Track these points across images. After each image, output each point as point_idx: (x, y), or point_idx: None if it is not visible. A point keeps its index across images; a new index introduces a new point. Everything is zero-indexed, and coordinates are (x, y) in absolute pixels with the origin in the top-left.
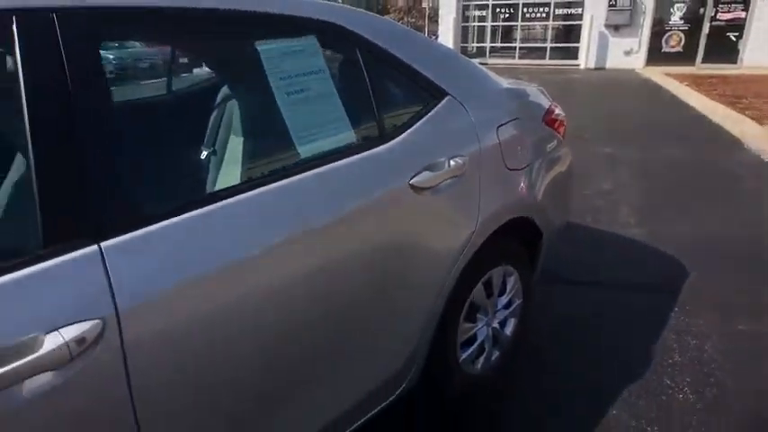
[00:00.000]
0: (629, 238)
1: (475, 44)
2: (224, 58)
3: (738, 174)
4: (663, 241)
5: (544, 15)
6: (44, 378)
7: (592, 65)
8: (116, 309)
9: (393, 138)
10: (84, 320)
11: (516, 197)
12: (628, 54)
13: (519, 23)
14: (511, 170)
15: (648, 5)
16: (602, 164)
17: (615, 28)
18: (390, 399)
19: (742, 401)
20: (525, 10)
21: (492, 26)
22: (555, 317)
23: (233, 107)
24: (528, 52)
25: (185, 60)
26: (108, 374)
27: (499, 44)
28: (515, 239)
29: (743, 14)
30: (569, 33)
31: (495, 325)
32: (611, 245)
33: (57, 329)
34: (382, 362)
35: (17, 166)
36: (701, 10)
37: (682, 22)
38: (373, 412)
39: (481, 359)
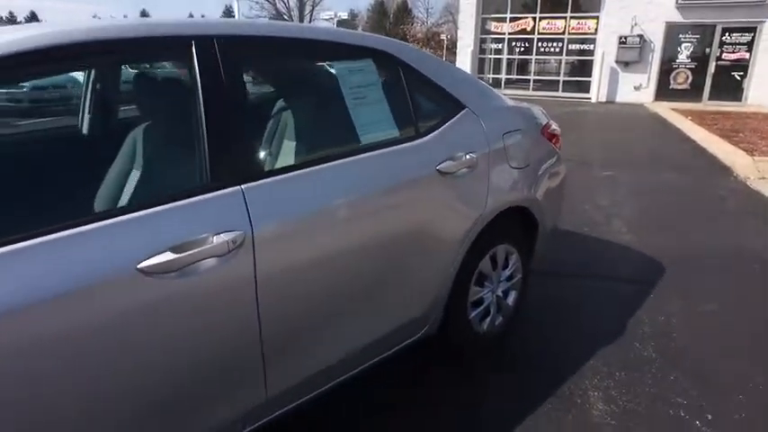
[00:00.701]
0: (618, 244)
1: (491, 75)
2: (315, 70)
3: (723, 195)
4: (647, 247)
5: (558, 50)
6: (213, 261)
7: (603, 98)
8: (251, 227)
9: (425, 135)
10: (236, 231)
11: (516, 189)
12: (637, 89)
13: (534, 57)
14: (513, 168)
15: (657, 44)
16: (602, 185)
17: (625, 64)
18: (417, 336)
19: (693, 357)
20: (540, 44)
21: (508, 59)
22: (547, 297)
23: (316, 104)
24: (542, 85)
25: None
26: (246, 266)
27: (514, 76)
28: (516, 225)
29: (747, 55)
30: (581, 68)
31: (499, 293)
32: (601, 248)
33: (220, 233)
34: (411, 304)
35: (196, 136)
36: (707, 50)
37: (689, 60)
38: (405, 343)
39: (487, 320)
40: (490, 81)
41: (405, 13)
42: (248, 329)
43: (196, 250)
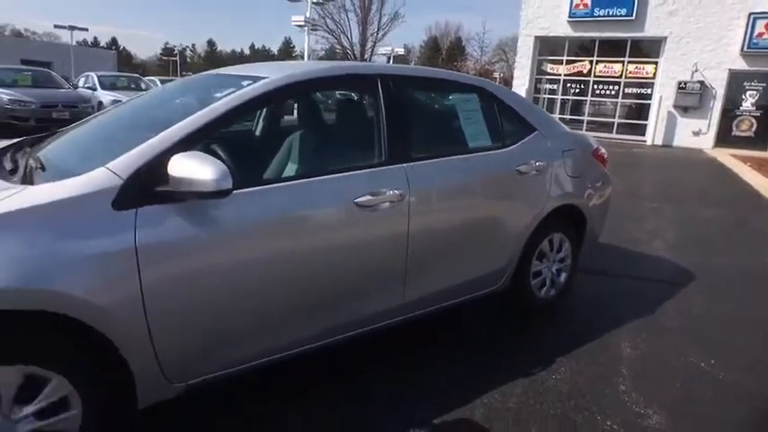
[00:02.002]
0: (655, 256)
1: None
2: (443, 98)
3: (766, 230)
4: (681, 260)
5: (614, 93)
6: (388, 204)
7: (659, 142)
8: (409, 189)
9: (509, 146)
10: (401, 190)
11: (570, 191)
12: (696, 134)
13: (588, 98)
14: (568, 176)
15: (719, 91)
16: (648, 215)
17: (684, 109)
18: (495, 287)
19: (705, 333)
20: (595, 87)
21: (562, 99)
22: (592, 287)
23: (443, 119)
24: (596, 126)
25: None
26: (404, 210)
27: (568, 116)
28: (569, 221)
29: None
30: (638, 111)
31: (554, 270)
32: (641, 258)
33: (393, 190)
34: (493, 261)
35: (380, 133)
36: None
37: (753, 108)
38: (489, 289)
39: (543, 289)
40: None
41: (458, 50)
42: (401, 249)
43: (381, 197)
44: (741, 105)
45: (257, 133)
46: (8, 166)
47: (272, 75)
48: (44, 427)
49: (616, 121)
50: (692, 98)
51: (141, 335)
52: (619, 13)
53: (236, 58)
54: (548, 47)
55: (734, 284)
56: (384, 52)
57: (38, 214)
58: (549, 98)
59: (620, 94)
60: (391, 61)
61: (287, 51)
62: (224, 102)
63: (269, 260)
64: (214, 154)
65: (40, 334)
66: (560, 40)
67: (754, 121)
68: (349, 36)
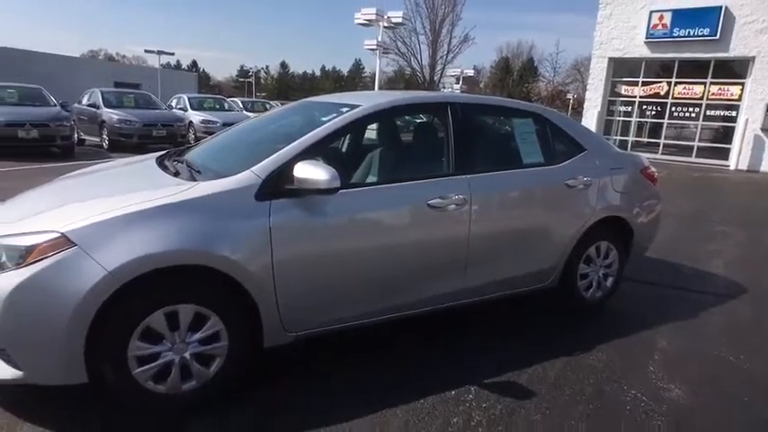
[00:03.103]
0: (713, 273)
1: (618, 137)
2: (502, 122)
3: None
4: (735, 277)
5: (694, 115)
6: (454, 206)
7: (744, 166)
8: (471, 195)
9: (559, 163)
10: (464, 195)
11: (616, 204)
12: None
13: (666, 121)
14: (615, 191)
15: None
16: (714, 237)
17: None
18: (544, 283)
19: (750, 336)
20: (674, 109)
21: (638, 122)
22: (642, 295)
23: (502, 139)
24: (674, 149)
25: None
26: (466, 212)
27: (644, 139)
28: (617, 230)
29: None
30: (720, 134)
31: (601, 274)
32: (696, 274)
33: (458, 195)
34: (541, 260)
35: (448, 150)
36: None
37: None
38: (536, 286)
39: (590, 291)
40: (617, 142)
41: (530, 71)
42: (463, 242)
43: (448, 200)
44: None
45: (353, 147)
46: (171, 169)
47: (365, 103)
48: (203, 350)
49: (696, 144)
50: None
51: (269, 291)
52: (701, 33)
53: (307, 80)
54: (622, 68)
55: None
56: (453, 73)
57: (208, 201)
58: (623, 120)
59: (701, 116)
60: (461, 82)
61: (357, 72)
62: (332, 122)
63: (362, 243)
64: (325, 162)
65: (206, 285)
66: (636, 62)
67: None
68: (419, 58)
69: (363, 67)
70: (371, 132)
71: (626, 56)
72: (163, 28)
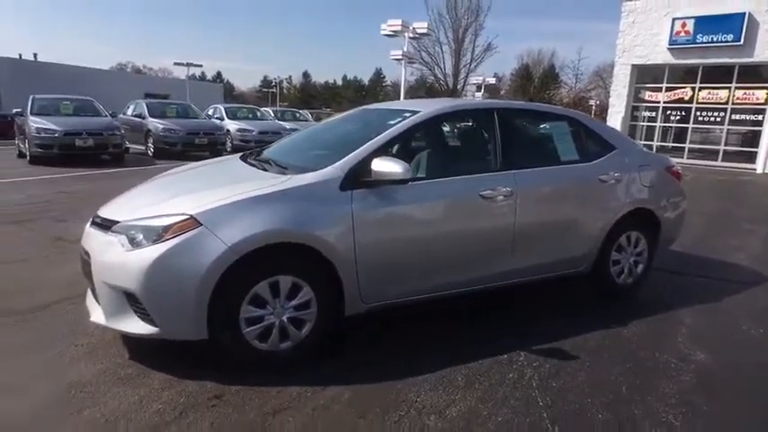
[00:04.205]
0: (737, 265)
1: (643, 141)
2: (540, 124)
3: None
4: (758, 268)
5: (719, 120)
6: (502, 197)
7: None
8: (516, 187)
9: (592, 161)
10: (510, 188)
11: (644, 197)
12: None
13: (690, 126)
14: (643, 186)
15: None
16: (738, 233)
17: None
18: (580, 268)
19: (744, 319)
20: (698, 114)
21: (662, 127)
22: (668, 282)
23: (541, 140)
24: (699, 154)
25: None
26: (513, 202)
27: (669, 144)
28: (645, 222)
29: None
30: (747, 138)
31: (631, 261)
32: (720, 265)
33: (505, 187)
34: (568, 249)
35: (495, 149)
36: None
37: None
38: (572, 270)
39: (622, 276)
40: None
41: (551, 77)
42: (509, 229)
43: (497, 192)
44: None
45: (416, 146)
46: (259, 166)
47: (424, 109)
48: (297, 315)
49: (722, 148)
50: None
51: (351, 266)
52: (725, 39)
53: (329, 89)
54: (646, 74)
55: None
56: (475, 81)
57: (303, 190)
58: (647, 126)
59: (727, 120)
60: (482, 90)
61: (377, 82)
62: (400, 125)
63: (426, 227)
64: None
65: (301, 260)
66: (659, 68)
67: None
68: (443, 67)
69: (384, 77)
70: (430, 133)
71: (649, 62)
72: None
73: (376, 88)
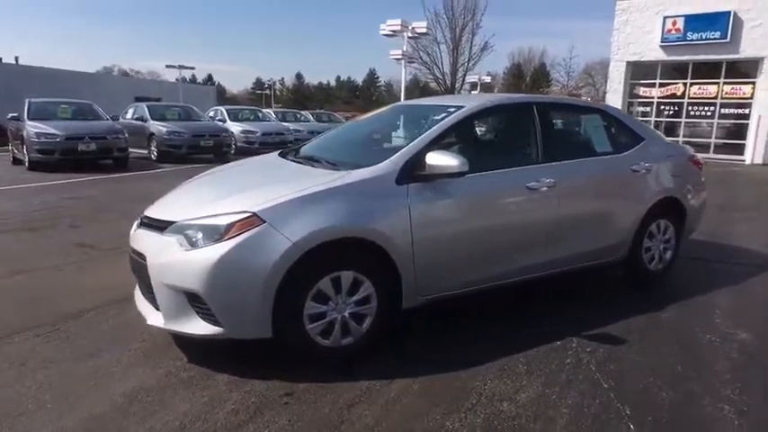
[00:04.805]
0: (750, 250)
1: None
2: (575, 117)
3: None
4: (757, 251)
5: (709, 114)
6: (546, 188)
7: (758, 161)
8: (557, 179)
9: (623, 152)
10: (553, 179)
11: (672, 187)
12: None
13: (683, 120)
14: (671, 176)
15: None
16: (728, 220)
17: None
18: (616, 256)
19: None
20: (690, 108)
21: (655, 121)
22: (691, 266)
23: (576, 132)
24: (691, 146)
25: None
26: (555, 193)
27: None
28: (673, 210)
29: None
30: (735, 131)
31: (661, 248)
32: (738, 251)
33: (549, 179)
34: (607, 237)
35: (536, 141)
36: None
37: None
38: (607, 259)
39: (653, 263)
40: None
41: (542, 75)
42: (553, 219)
43: (541, 183)
44: None
45: (462, 139)
46: (306, 164)
47: (468, 104)
48: (358, 310)
49: (713, 141)
50: None
51: (409, 260)
52: (713, 37)
53: (323, 90)
54: (639, 71)
55: None
56: (470, 80)
57: (361, 186)
58: (642, 120)
59: (717, 114)
60: (477, 89)
61: (371, 82)
62: (448, 120)
63: (478, 218)
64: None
65: (361, 255)
66: (652, 65)
67: None
68: (441, 66)
69: (378, 77)
70: (477, 127)
71: (643, 59)
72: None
73: (370, 89)
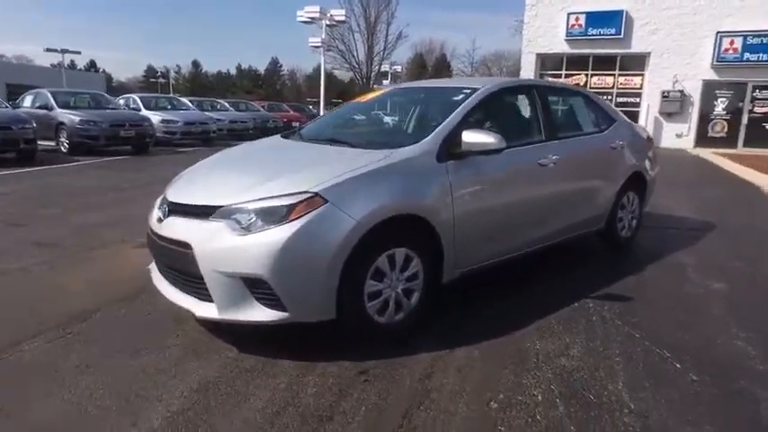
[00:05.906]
0: (686, 217)
1: None
2: (566, 99)
3: (745, 196)
4: (703, 219)
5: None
6: (552, 164)
7: None
8: (560, 154)
9: (603, 132)
10: (557, 156)
11: (638, 163)
12: (679, 137)
13: None
14: (637, 152)
15: (695, 98)
16: (667, 193)
17: (668, 115)
18: (599, 226)
19: (723, 256)
20: None
21: None
22: (651, 235)
23: (567, 113)
24: None
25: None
26: (554, 168)
27: None
28: (637, 182)
29: None
30: (629, 118)
31: (629, 217)
32: (679, 219)
33: (554, 156)
34: (593, 209)
35: (537, 122)
36: (740, 104)
37: (724, 112)
38: (590, 229)
39: (624, 231)
40: None
41: (444, 66)
42: (557, 193)
43: (545, 160)
44: (714, 110)
45: (483, 118)
46: (333, 144)
47: (486, 85)
48: (408, 286)
49: None
50: (673, 105)
51: (450, 234)
52: (609, 33)
53: (223, 78)
54: (548, 62)
55: (741, 230)
56: (384, 70)
57: (408, 164)
58: None
59: (614, 103)
60: (389, 78)
61: (274, 71)
62: (471, 99)
63: (508, 193)
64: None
65: (412, 231)
66: (559, 57)
67: (725, 123)
68: (356, 55)
69: (281, 65)
70: (493, 107)
71: (551, 51)
72: (46, 26)
73: (273, 77)
